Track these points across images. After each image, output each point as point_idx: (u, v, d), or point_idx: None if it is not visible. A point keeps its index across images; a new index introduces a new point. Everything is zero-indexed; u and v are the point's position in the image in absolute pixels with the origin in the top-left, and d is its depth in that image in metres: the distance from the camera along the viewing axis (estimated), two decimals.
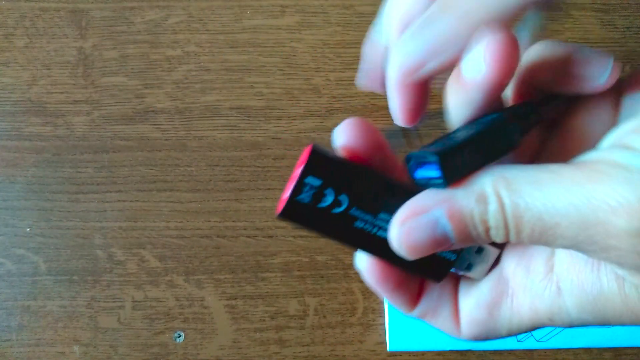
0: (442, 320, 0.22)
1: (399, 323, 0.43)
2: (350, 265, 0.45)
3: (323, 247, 0.45)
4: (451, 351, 0.44)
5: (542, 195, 0.17)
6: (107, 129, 0.47)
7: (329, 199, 0.19)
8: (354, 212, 0.19)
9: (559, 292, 0.20)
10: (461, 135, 0.19)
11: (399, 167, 0.21)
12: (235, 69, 0.47)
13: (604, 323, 0.20)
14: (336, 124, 0.20)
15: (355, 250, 0.21)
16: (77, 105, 0.47)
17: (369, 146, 0.20)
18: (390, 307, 0.43)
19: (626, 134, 0.18)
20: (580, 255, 0.19)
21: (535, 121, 0.20)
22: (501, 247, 0.22)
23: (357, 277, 0.45)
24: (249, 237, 0.45)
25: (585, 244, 0.17)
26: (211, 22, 0.47)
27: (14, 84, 0.47)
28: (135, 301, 0.45)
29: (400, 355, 0.44)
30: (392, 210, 0.19)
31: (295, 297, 0.44)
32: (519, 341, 0.43)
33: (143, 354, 0.44)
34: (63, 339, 0.44)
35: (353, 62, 0.48)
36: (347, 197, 0.19)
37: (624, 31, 0.48)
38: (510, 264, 0.21)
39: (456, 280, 0.22)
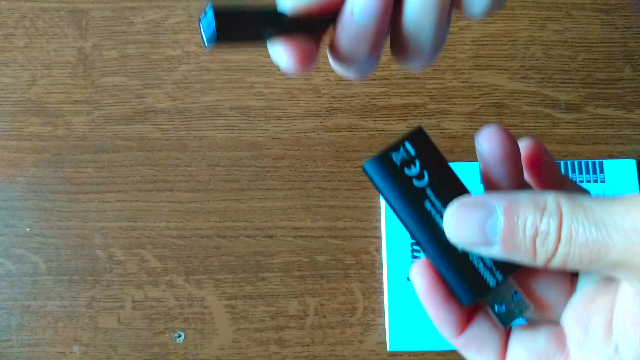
0: (486, 358, 0.22)
1: (399, 323, 0.43)
2: (350, 265, 0.45)
3: (323, 247, 0.45)
4: (451, 351, 0.44)
5: (603, 209, 0.18)
6: (107, 129, 0.47)
7: (415, 170, 0.21)
8: (429, 192, 0.21)
9: (616, 353, 0.20)
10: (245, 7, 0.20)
11: (519, 175, 0.22)
12: (235, 69, 0.47)
13: None
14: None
15: (409, 230, 0.22)
16: (77, 105, 0.47)
17: (506, 153, 0.22)
18: (391, 307, 0.43)
19: None
20: (637, 306, 0.19)
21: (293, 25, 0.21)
22: (538, 305, 0.22)
23: (357, 277, 0.45)
24: (249, 237, 0.45)
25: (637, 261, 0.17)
26: None
27: (14, 84, 0.47)
28: (135, 301, 0.44)
29: (400, 355, 0.44)
30: None
31: (295, 297, 0.44)
32: None
33: (143, 354, 0.44)
34: (63, 339, 0.44)
35: None
36: (429, 176, 0.21)
37: (624, 31, 0.48)
38: (569, 319, 0.22)
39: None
